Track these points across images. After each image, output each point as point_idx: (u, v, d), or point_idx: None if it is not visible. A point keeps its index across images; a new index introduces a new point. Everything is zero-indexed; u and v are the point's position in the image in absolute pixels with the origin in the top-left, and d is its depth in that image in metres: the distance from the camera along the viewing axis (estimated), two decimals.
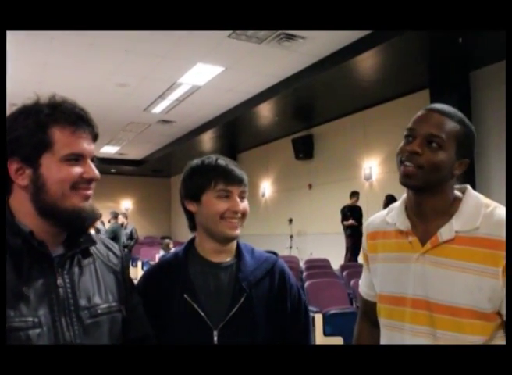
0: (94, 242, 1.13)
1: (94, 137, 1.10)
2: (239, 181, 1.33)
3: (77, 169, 1.04)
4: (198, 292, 1.31)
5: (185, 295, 1.29)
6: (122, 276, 1.20)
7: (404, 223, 1.26)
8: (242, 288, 1.31)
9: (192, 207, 1.36)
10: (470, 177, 6.59)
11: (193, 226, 1.41)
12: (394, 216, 1.31)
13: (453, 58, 6.59)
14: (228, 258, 1.38)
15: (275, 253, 1.47)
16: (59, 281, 1.03)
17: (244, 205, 1.34)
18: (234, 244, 1.40)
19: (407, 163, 1.20)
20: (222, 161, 1.35)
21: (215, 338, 1.27)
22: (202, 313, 1.27)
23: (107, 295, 1.12)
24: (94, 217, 1.08)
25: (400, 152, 1.23)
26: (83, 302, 1.05)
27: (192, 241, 1.43)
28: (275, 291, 1.36)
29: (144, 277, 1.42)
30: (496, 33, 4.88)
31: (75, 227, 1.07)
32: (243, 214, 1.35)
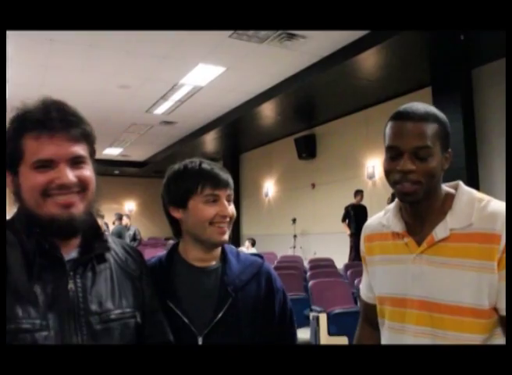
0: (108, 249, 1.12)
1: (74, 138, 1.03)
2: (225, 185, 1.30)
3: (44, 177, 1.00)
4: (182, 298, 1.27)
5: (168, 302, 1.26)
6: (140, 281, 1.17)
7: (399, 225, 1.25)
8: (227, 293, 1.28)
9: (177, 214, 1.32)
10: (473, 174, 6.57)
11: (176, 233, 1.37)
12: (389, 218, 1.30)
13: (455, 56, 6.57)
14: (213, 262, 1.34)
15: (261, 256, 1.44)
16: (70, 286, 1.02)
17: (232, 208, 1.31)
18: (219, 248, 1.36)
19: (405, 182, 1.15)
20: (207, 165, 1.31)
21: (200, 344, 1.24)
22: (186, 320, 1.25)
23: (121, 301, 1.10)
24: (73, 226, 1.04)
25: (389, 172, 1.19)
26: (93, 307, 1.04)
27: (176, 246, 1.39)
28: (261, 295, 1.33)
29: None
30: (498, 31, 4.86)
31: (55, 235, 1.05)
32: (231, 218, 1.31)
